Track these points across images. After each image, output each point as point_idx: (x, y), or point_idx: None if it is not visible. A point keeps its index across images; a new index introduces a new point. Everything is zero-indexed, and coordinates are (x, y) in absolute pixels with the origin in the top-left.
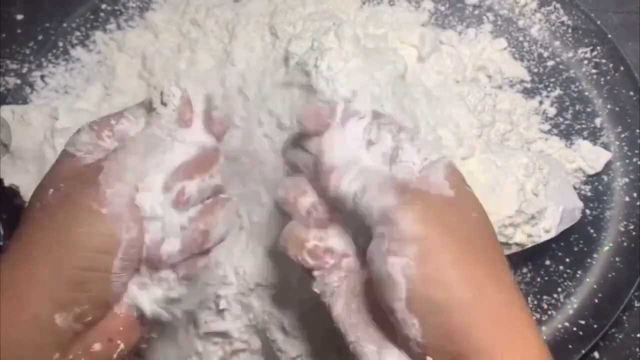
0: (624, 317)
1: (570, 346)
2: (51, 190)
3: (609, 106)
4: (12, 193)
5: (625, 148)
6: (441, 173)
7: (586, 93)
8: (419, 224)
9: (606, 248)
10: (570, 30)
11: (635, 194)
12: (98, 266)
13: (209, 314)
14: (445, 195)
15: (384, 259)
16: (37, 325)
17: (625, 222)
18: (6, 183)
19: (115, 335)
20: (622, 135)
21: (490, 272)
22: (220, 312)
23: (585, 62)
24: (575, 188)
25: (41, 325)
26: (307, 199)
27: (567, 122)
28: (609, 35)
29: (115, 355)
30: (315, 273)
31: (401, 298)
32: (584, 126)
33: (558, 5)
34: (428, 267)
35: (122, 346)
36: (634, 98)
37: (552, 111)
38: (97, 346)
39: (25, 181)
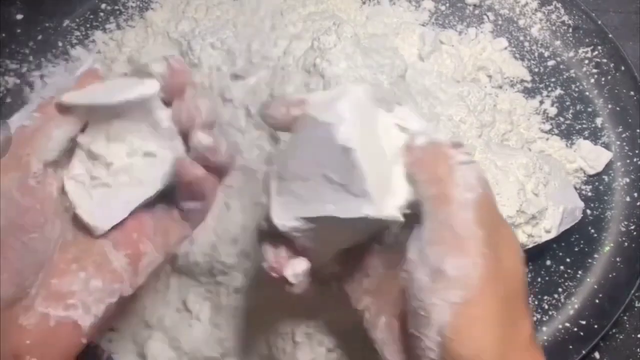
0: (625, 318)
1: (570, 346)
2: None
3: (609, 106)
4: None
5: (626, 148)
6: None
7: (587, 93)
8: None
9: (607, 248)
10: (570, 30)
11: (636, 194)
12: None
13: None
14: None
15: (425, 296)
16: None
17: (626, 222)
18: None
19: (22, 351)
20: (623, 135)
21: (517, 333)
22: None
23: (586, 61)
24: (575, 188)
25: None
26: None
27: (567, 122)
28: (610, 35)
29: None
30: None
31: (431, 339)
32: (584, 126)
33: (559, 5)
34: (467, 319)
35: None
36: (635, 98)
37: (552, 111)
38: None
39: None
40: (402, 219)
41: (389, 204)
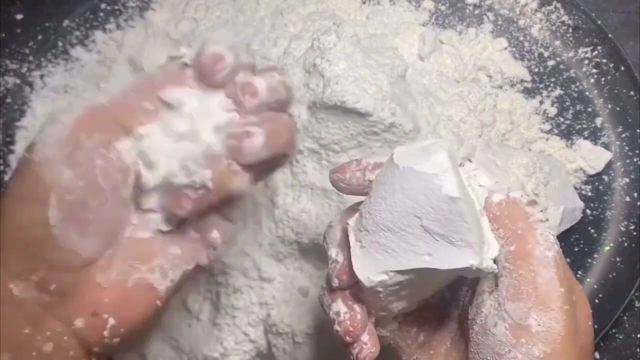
0: (625, 318)
1: None
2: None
3: (609, 106)
4: None
5: (626, 148)
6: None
7: (587, 93)
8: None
9: (607, 248)
10: (570, 30)
11: (635, 194)
12: (33, 220)
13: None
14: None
15: (505, 350)
16: None
17: (625, 222)
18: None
19: (101, 309)
20: (623, 135)
21: None
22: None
23: (586, 61)
24: (575, 188)
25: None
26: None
27: (567, 122)
28: (610, 35)
29: (106, 333)
30: None
31: None
32: (584, 126)
33: (558, 5)
34: None
35: (112, 322)
36: (635, 98)
37: (552, 111)
38: (79, 322)
39: None
40: (497, 270)
41: (487, 255)
